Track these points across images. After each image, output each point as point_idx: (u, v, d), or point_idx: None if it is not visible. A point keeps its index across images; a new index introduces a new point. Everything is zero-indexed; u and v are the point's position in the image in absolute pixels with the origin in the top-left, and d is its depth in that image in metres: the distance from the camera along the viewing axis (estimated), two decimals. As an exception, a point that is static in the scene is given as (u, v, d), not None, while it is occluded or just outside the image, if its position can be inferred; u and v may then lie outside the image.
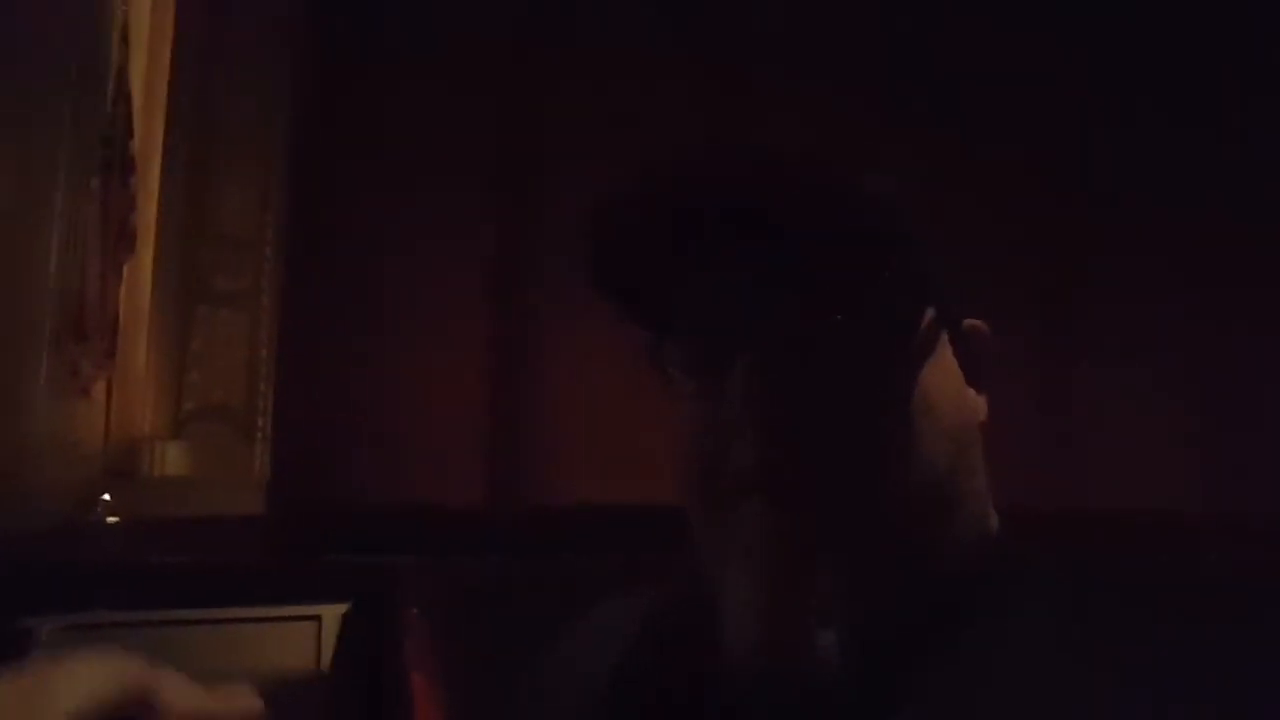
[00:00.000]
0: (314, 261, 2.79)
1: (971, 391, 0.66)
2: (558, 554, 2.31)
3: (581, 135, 2.73)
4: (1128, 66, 3.00)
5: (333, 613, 1.88)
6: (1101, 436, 3.01)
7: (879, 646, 0.59)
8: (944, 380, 0.64)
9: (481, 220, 2.82)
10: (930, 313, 0.64)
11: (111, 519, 2.37)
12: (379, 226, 2.79)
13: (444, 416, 2.76)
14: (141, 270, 2.70)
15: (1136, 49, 2.98)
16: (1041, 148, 2.99)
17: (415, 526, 2.45)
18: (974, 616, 0.61)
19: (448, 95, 2.76)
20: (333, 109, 2.77)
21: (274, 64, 2.76)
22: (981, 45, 2.92)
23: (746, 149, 0.62)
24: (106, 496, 2.39)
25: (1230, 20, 2.97)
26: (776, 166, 0.61)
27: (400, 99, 2.74)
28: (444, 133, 2.76)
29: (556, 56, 2.80)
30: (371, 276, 2.80)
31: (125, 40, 2.64)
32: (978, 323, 0.68)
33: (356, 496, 2.69)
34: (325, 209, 2.78)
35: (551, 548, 2.41)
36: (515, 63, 2.81)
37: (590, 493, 2.68)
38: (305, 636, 1.82)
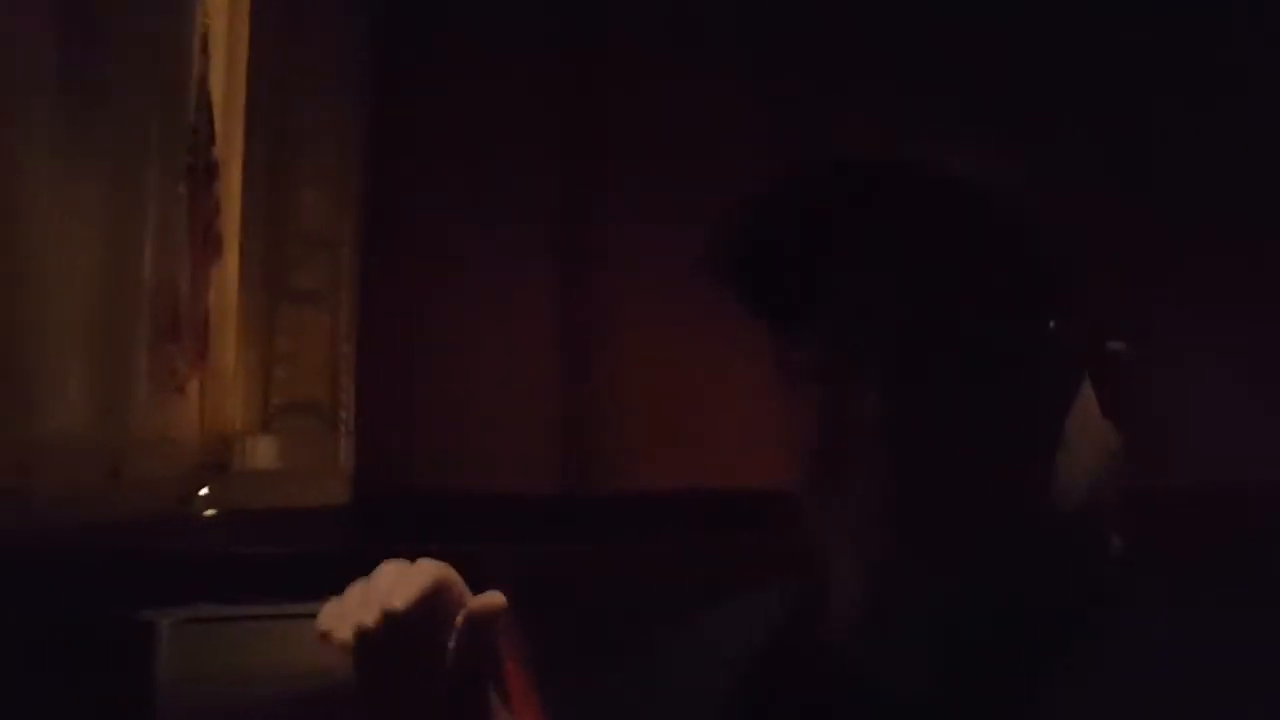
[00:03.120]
0: (391, 258, 2.85)
1: (1109, 423, 0.63)
2: (639, 539, 2.34)
3: (650, 123, 2.76)
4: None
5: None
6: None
7: (974, 660, 0.60)
8: (1083, 410, 0.62)
9: (554, 210, 2.86)
10: (1078, 341, 0.61)
11: (209, 511, 2.48)
12: (452, 222, 2.85)
13: (521, 405, 2.81)
14: (227, 272, 2.79)
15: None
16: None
17: (499, 514, 2.51)
18: (1077, 645, 0.61)
19: (520, 91, 2.80)
20: (406, 108, 2.83)
21: (348, 66, 2.82)
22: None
23: (895, 163, 0.61)
24: (205, 490, 2.50)
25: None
26: (928, 184, 0.59)
27: (473, 95, 2.79)
28: (516, 127, 2.80)
29: (628, 49, 2.81)
30: (446, 271, 2.86)
31: (205, 50, 2.72)
32: (1121, 346, 0.65)
33: (438, 485, 2.75)
34: (401, 207, 2.84)
35: (632, 533, 2.45)
36: (585, 57, 2.83)
37: (666, 479, 2.71)
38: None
